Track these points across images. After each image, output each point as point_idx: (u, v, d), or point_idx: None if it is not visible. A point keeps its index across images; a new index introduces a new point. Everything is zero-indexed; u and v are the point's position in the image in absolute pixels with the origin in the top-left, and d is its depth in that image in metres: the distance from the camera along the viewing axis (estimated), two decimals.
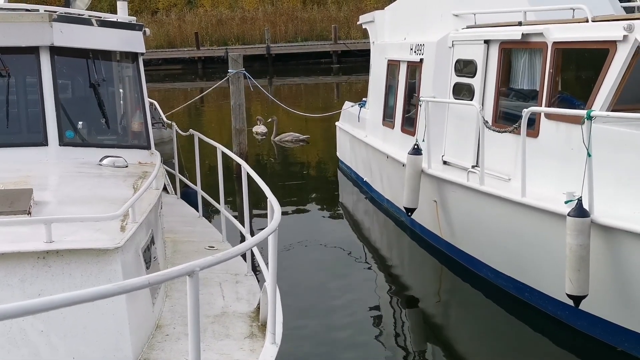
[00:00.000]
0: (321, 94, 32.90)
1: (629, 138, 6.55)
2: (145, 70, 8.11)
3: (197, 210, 9.05)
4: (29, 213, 4.86)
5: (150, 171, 6.51)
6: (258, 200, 11.05)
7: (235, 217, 8.13)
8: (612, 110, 6.81)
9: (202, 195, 8.82)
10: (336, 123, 15.69)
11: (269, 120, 19.53)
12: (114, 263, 4.49)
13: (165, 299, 5.59)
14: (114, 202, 5.26)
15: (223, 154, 7.56)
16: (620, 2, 9.57)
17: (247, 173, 6.29)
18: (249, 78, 15.79)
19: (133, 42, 7.91)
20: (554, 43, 7.58)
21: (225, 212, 7.63)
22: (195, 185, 8.95)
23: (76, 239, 4.53)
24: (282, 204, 12.87)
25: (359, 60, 36.34)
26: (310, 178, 15.82)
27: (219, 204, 7.84)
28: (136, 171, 6.78)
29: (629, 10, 9.80)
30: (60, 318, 4.34)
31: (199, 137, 8.94)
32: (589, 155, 6.30)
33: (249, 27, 47.12)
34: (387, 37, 12.56)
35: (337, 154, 15.70)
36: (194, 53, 44.12)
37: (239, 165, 6.74)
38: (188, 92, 32.64)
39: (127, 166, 6.93)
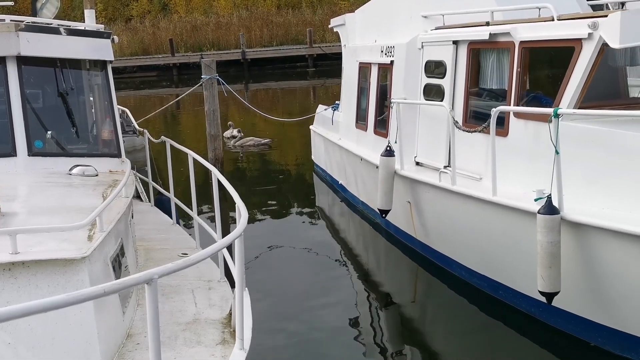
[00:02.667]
0: (298, 98, 32.93)
1: (596, 135, 6.61)
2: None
3: (171, 218, 9.01)
4: None
5: (120, 179, 6.47)
6: (232, 206, 11.03)
7: (209, 223, 8.11)
8: (579, 108, 6.87)
9: (175, 202, 8.79)
10: (310, 127, 15.70)
11: (237, 131, 19.51)
12: (81, 273, 4.45)
13: (137, 308, 5.55)
14: (83, 211, 5.21)
15: (194, 160, 7.54)
16: (587, 0, 9.66)
17: (218, 179, 6.27)
18: (223, 83, 15.76)
19: (101, 50, 7.86)
20: (521, 42, 7.63)
21: (197, 219, 7.60)
22: (169, 192, 8.92)
23: (42, 250, 4.49)
24: (257, 209, 12.92)
25: (334, 64, 36.31)
26: (286, 182, 15.81)
27: (192, 210, 7.81)
28: (106, 180, 6.74)
29: (597, 7, 9.89)
30: (27, 329, 4.30)
31: (170, 144, 8.91)
32: (557, 152, 6.36)
33: (224, 33, 47.03)
34: (358, 39, 12.59)
35: (312, 157, 15.71)
36: (169, 60, 43.99)
37: None
38: (164, 98, 32.48)
39: (97, 175, 6.88)
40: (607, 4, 10.34)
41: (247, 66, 42.80)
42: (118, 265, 5.33)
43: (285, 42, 46.09)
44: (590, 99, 6.98)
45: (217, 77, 15.00)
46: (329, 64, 37.92)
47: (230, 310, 5.46)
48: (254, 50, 44.30)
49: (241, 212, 4.75)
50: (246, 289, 5.32)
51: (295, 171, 16.96)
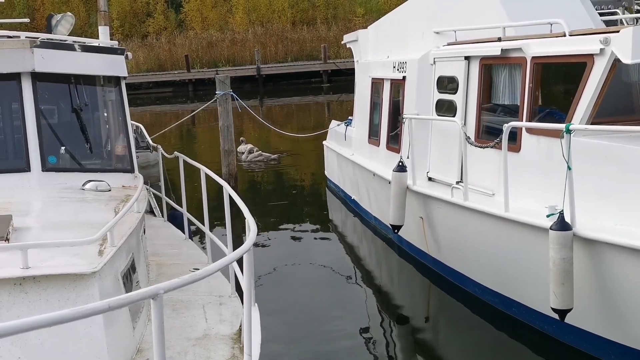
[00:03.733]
0: (312, 114, 32.99)
1: (608, 150, 6.58)
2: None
3: (184, 233, 9.03)
4: (7, 239, 4.85)
5: (133, 195, 6.50)
6: (244, 221, 11.07)
7: (222, 238, 8.11)
8: (591, 123, 6.84)
9: (188, 218, 8.81)
10: (323, 142, 15.73)
11: (248, 147, 19.51)
12: (91, 288, 4.46)
13: (148, 323, 5.55)
14: (95, 226, 5.23)
15: (207, 175, 7.55)
16: (601, 16, 9.65)
17: (229, 194, 6.28)
18: (237, 99, 15.81)
19: (115, 66, 7.92)
20: (533, 58, 7.63)
21: (209, 234, 7.61)
22: (182, 207, 8.94)
23: (53, 265, 4.50)
24: (271, 224, 12.91)
25: (348, 79, 36.36)
26: (300, 197, 15.83)
27: (204, 225, 7.82)
28: (119, 195, 6.76)
29: (610, 23, 9.88)
30: (37, 343, 4.31)
31: (183, 159, 8.94)
32: (569, 168, 6.33)
33: (239, 49, 47.32)
34: (370, 55, 12.63)
35: (325, 172, 15.72)
36: (185, 76, 44.23)
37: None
38: (179, 114, 32.64)
39: (110, 190, 6.91)
40: (621, 19, 10.34)
41: (262, 82, 42.96)
42: (129, 281, 5.34)
43: (300, 57, 46.31)
44: (603, 114, 6.95)
45: (232, 92, 15.05)
46: (344, 80, 38.01)
47: (241, 325, 5.45)
48: (269, 66, 44.51)
49: (251, 227, 4.75)
50: (256, 304, 5.32)
51: (308, 186, 16.98)
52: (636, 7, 12.50)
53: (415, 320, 8.48)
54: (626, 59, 6.53)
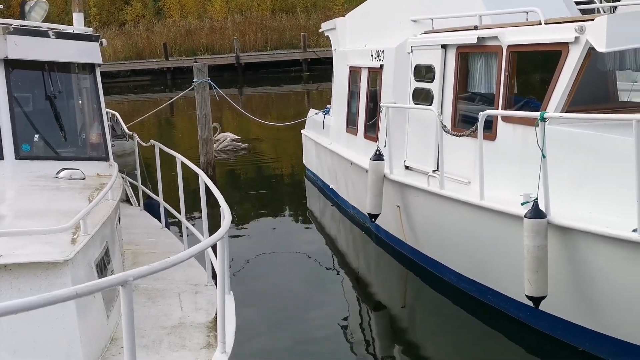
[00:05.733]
0: (292, 102, 32.92)
1: (583, 139, 6.62)
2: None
3: (160, 222, 8.98)
4: None
5: (108, 183, 6.45)
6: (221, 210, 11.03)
7: (199, 227, 8.08)
8: (566, 112, 6.88)
9: (164, 206, 8.76)
10: (302, 131, 15.69)
11: (213, 125, 18.89)
12: (63, 276, 4.42)
13: None
14: (68, 214, 5.18)
15: (184, 164, 7.52)
16: (577, 5, 9.68)
17: (205, 183, 6.26)
18: (215, 87, 15.71)
19: (90, 53, 7.85)
20: (509, 46, 7.65)
21: (186, 223, 7.58)
22: (158, 196, 8.90)
23: (25, 253, 4.46)
24: (249, 213, 12.89)
25: (328, 68, 36.23)
26: (278, 186, 15.81)
27: (181, 214, 7.79)
28: (93, 183, 6.71)
29: (587, 12, 9.91)
30: (9, 332, 4.28)
31: (160, 148, 8.89)
32: (543, 156, 6.36)
33: (218, 37, 47.07)
34: (348, 44, 12.60)
35: (304, 161, 15.70)
36: (163, 64, 43.96)
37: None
38: (158, 102, 32.41)
39: (84, 178, 6.86)
40: (598, 8, 10.37)
41: (242, 70, 42.80)
42: (103, 269, 5.30)
43: (280, 46, 46.13)
44: (578, 102, 6.99)
45: (209, 80, 14.96)
46: (323, 69, 37.87)
47: (216, 314, 5.44)
48: (248, 54, 44.33)
49: (225, 214, 4.73)
50: (231, 292, 5.31)
51: (287, 175, 16.96)
52: None
53: (392, 307, 8.52)
54: (601, 48, 6.56)
